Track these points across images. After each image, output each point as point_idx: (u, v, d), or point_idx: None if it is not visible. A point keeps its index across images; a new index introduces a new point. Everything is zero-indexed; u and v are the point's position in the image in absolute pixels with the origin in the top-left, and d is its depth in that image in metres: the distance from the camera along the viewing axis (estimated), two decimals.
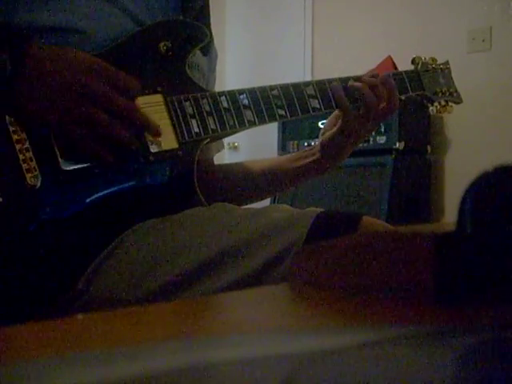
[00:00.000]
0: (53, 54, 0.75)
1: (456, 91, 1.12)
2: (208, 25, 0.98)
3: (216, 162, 1.07)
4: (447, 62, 1.13)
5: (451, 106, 1.12)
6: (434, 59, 1.11)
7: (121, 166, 0.79)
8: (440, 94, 1.10)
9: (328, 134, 0.97)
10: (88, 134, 0.74)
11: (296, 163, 1.00)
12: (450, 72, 1.13)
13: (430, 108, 1.11)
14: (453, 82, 1.13)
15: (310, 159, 0.99)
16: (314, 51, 3.83)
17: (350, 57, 3.48)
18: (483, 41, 3.08)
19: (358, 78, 0.97)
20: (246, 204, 1.03)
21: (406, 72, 1.05)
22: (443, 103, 1.10)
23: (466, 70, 2.78)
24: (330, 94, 0.95)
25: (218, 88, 0.92)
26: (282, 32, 3.94)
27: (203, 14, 0.98)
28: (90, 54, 0.78)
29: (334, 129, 0.96)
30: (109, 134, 0.75)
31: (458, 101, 1.13)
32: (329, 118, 0.99)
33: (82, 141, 0.74)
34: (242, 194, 1.01)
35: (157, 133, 0.80)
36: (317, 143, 1.00)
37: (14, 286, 0.75)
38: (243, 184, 1.01)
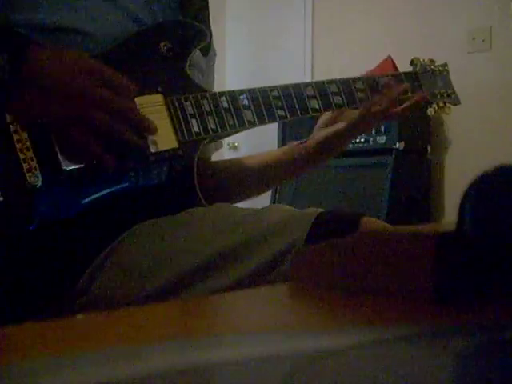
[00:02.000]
0: (52, 57, 0.75)
1: (454, 93, 1.13)
2: (208, 25, 0.98)
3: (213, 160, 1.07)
4: (445, 64, 1.14)
5: (449, 108, 1.12)
6: (432, 61, 1.11)
7: (122, 167, 0.79)
8: (438, 96, 1.10)
9: (326, 131, 0.98)
10: (88, 136, 0.74)
11: (289, 158, 1.01)
12: (448, 74, 1.13)
13: (428, 109, 1.12)
14: (451, 84, 1.13)
15: (302, 155, 1.01)
16: (313, 51, 3.83)
17: (350, 57, 3.48)
18: (483, 41, 3.08)
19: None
20: (244, 199, 1.03)
21: (404, 73, 1.06)
22: (441, 104, 1.11)
23: (466, 70, 2.79)
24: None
25: (217, 88, 0.93)
26: (281, 32, 3.94)
27: (202, 14, 0.98)
28: (89, 56, 0.78)
29: (339, 126, 0.98)
30: (110, 134, 0.75)
31: (456, 102, 1.13)
32: (321, 117, 1.01)
33: (82, 144, 0.75)
34: (239, 189, 1.01)
35: (154, 131, 0.80)
36: (309, 140, 1.01)
37: (13, 286, 0.75)
38: (240, 179, 1.02)
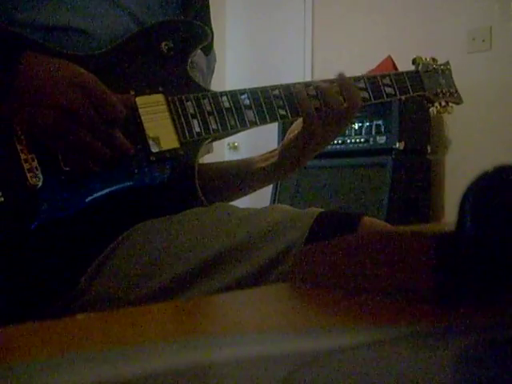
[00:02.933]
0: (46, 66, 0.75)
1: (456, 92, 1.13)
2: (209, 23, 0.98)
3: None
4: (448, 63, 1.14)
5: (451, 107, 1.12)
6: (434, 60, 1.11)
7: (122, 166, 0.79)
8: (441, 95, 1.10)
9: (289, 137, 0.96)
10: (75, 150, 0.75)
11: (260, 165, 0.98)
12: (450, 72, 1.13)
13: (431, 109, 1.11)
14: (453, 83, 1.13)
15: (271, 162, 0.98)
16: (314, 51, 3.83)
17: (350, 57, 3.48)
18: (483, 41, 3.08)
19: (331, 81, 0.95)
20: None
21: (406, 72, 1.05)
22: (443, 104, 1.11)
23: (466, 70, 2.78)
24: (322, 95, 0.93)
25: (217, 88, 0.92)
26: (282, 32, 3.94)
27: (203, 13, 0.98)
28: (90, 58, 0.78)
29: (296, 132, 0.95)
30: (89, 153, 0.75)
31: (459, 101, 1.13)
32: (295, 122, 0.97)
33: (70, 156, 0.75)
34: (215, 194, 0.99)
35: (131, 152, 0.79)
36: (278, 146, 0.99)
37: (14, 286, 0.75)
38: (214, 184, 1.00)
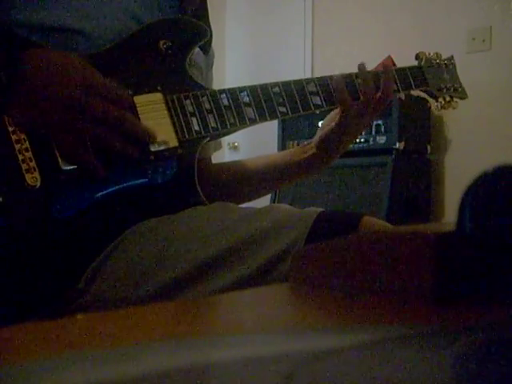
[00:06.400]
0: (48, 62, 0.75)
1: (461, 86, 1.12)
2: (207, 22, 0.98)
3: (216, 162, 1.07)
4: (452, 58, 1.13)
5: (456, 102, 1.11)
6: (438, 54, 1.10)
7: (121, 166, 0.79)
8: (445, 90, 1.09)
9: (326, 128, 0.98)
10: (78, 145, 0.75)
11: (295, 158, 1.02)
12: (454, 67, 1.12)
13: (435, 104, 1.11)
14: (457, 78, 1.12)
15: (307, 154, 1.01)
16: (313, 51, 3.83)
17: (350, 56, 3.47)
18: (483, 41, 3.08)
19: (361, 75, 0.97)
20: (248, 200, 1.03)
21: (409, 68, 1.05)
22: (448, 99, 1.10)
23: (465, 70, 2.78)
24: (332, 89, 0.95)
25: (217, 87, 0.92)
26: (281, 31, 3.94)
27: (201, 11, 0.98)
28: (88, 56, 0.78)
29: (333, 124, 0.96)
30: (104, 145, 0.76)
31: (463, 96, 1.12)
32: (329, 115, 1.00)
33: (73, 151, 0.75)
34: (242, 190, 1.02)
35: (153, 137, 0.80)
36: (314, 138, 1.01)
37: (13, 286, 0.75)
38: (245, 181, 1.02)
